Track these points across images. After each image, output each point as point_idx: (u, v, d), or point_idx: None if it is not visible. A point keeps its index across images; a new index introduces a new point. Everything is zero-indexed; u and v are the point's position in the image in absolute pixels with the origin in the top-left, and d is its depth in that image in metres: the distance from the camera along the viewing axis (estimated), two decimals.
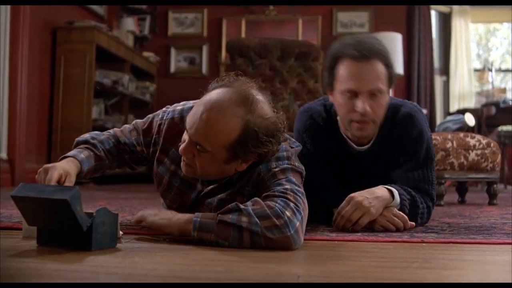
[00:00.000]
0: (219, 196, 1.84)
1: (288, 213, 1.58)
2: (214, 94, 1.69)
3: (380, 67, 2.07)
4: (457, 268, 1.42)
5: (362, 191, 2.04)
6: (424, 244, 1.75)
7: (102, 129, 5.91)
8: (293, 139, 1.95)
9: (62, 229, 1.53)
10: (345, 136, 2.25)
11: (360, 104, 2.06)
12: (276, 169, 1.74)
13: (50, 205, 1.47)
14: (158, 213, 1.75)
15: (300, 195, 1.68)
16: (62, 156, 1.92)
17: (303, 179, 1.84)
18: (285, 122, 1.77)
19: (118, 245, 1.58)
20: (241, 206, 1.58)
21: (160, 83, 7.50)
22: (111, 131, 2.08)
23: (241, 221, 1.55)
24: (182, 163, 1.80)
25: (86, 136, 2.05)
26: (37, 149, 5.49)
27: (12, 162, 4.98)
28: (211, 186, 1.87)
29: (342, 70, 2.10)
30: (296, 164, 1.81)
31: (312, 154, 2.24)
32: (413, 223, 2.06)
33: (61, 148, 5.62)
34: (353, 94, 2.08)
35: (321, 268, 1.34)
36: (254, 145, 1.67)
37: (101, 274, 1.23)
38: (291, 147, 1.86)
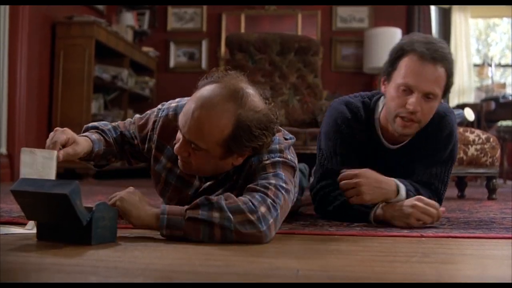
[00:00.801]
0: (217, 192, 1.83)
1: (262, 209, 1.59)
2: (204, 91, 1.68)
3: (442, 73, 2.06)
4: (456, 262, 1.42)
5: (373, 175, 2.02)
6: (423, 238, 1.75)
7: None
8: (287, 132, 1.94)
9: (61, 223, 1.53)
10: (380, 135, 2.26)
11: (413, 102, 2.05)
12: (267, 162, 1.73)
13: (49, 200, 1.47)
14: (129, 198, 1.66)
15: (282, 191, 1.67)
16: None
17: (296, 172, 1.83)
18: (277, 113, 1.76)
19: (118, 240, 1.58)
20: (212, 200, 1.58)
21: (160, 78, 7.49)
22: (114, 123, 2.10)
23: (212, 217, 1.55)
24: (179, 161, 1.80)
25: (94, 123, 2.08)
26: (36, 144, 5.47)
27: (11, 157, 4.98)
28: (209, 183, 1.87)
29: (406, 63, 2.08)
30: (289, 157, 1.79)
31: (346, 145, 2.24)
32: (444, 209, 2.05)
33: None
34: (409, 90, 2.07)
35: (320, 262, 1.34)
36: (247, 139, 1.65)
37: (100, 268, 1.23)
38: (285, 139, 1.85)
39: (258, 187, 1.65)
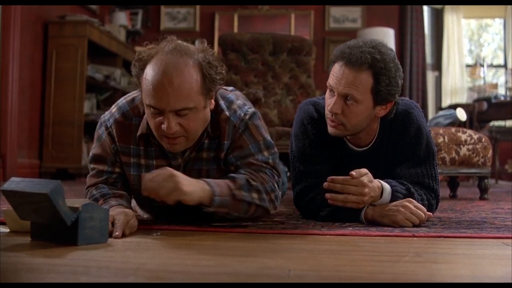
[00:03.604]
0: (205, 157, 1.95)
1: (277, 187, 1.96)
2: (158, 66, 1.75)
3: (365, 78, 2.05)
4: (447, 261, 1.43)
5: (372, 182, 2.02)
6: (415, 238, 1.76)
7: (94, 124, 5.91)
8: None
9: (49, 223, 1.52)
10: (345, 139, 2.26)
11: (331, 102, 2.10)
12: (246, 117, 1.94)
13: (33, 200, 1.47)
14: (180, 174, 1.75)
15: (276, 157, 2.00)
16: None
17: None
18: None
19: (109, 240, 1.57)
20: (252, 182, 1.87)
21: None
22: (95, 187, 2.00)
23: (251, 197, 1.87)
24: (167, 144, 1.82)
25: (98, 193, 1.97)
26: (28, 143, 5.46)
27: (3, 157, 4.97)
28: (186, 154, 1.92)
29: (333, 67, 2.13)
30: (250, 103, 2.05)
31: (314, 145, 2.25)
32: (431, 214, 2.09)
33: (52, 143, 5.61)
34: (332, 91, 2.11)
35: (312, 262, 1.34)
36: (214, 72, 1.80)
37: (92, 268, 1.23)
38: (230, 91, 2.07)
39: (264, 164, 1.94)
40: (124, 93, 6.66)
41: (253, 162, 1.93)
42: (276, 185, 1.97)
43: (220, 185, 1.83)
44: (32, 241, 1.57)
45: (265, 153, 1.97)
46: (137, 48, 7.19)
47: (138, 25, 7.66)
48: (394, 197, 2.07)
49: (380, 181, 2.08)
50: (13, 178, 1.56)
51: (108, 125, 1.97)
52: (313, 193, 2.17)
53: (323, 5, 7.59)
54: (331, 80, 2.11)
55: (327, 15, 7.61)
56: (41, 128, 5.67)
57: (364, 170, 2.03)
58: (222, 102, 1.96)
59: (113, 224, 1.69)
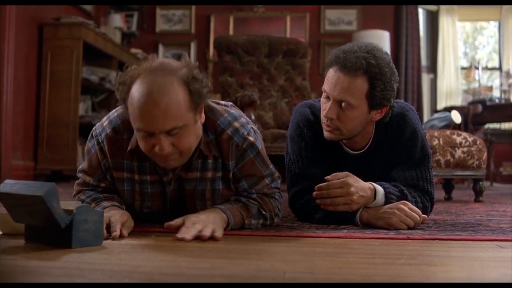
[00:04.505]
0: (209, 177, 1.93)
1: (280, 208, 2.08)
2: (142, 88, 1.69)
3: (361, 83, 2.05)
4: (442, 264, 1.43)
5: (358, 182, 2.05)
6: (410, 240, 1.76)
7: (89, 126, 5.90)
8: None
9: (43, 226, 1.52)
10: (340, 142, 2.26)
11: (326, 107, 2.11)
12: (249, 137, 1.93)
13: (28, 202, 1.46)
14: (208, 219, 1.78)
15: (276, 177, 2.06)
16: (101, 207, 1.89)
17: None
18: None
19: (104, 243, 1.57)
20: (262, 212, 1.98)
21: None
22: (82, 193, 2.01)
23: (258, 223, 1.98)
24: (161, 161, 1.80)
25: (86, 195, 1.99)
26: (23, 145, 5.45)
27: None
28: (177, 170, 1.91)
29: (328, 72, 2.13)
30: (251, 122, 2.05)
31: (310, 148, 2.25)
32: (425, 216, 2.09)
33: (47, 144, 5.60)
34: (327, 96, 2.12)
35: (307, 265, 1.34)
36: (201, 86, 1.76)
37: (86, 271, 1.22)
38: (230, 107, 2.07)
39: (275, 190, 2.05)
40: None
41: (266, 192, 2.02)
42: (280, 207, 2.08)
43: (235, 215, 1.88)
44: (27, 244, 1.57)
45: (274, 178, 2.05)
46: (133, 50, 7.19)
47: (134, 27, 7.66)
48: (387, 199, 2.07)
49: (372, 183, 2.09)
50: (7, 181, 1.56)
51: (100, 140, 1.93)
52: (308, 196, 2.17)
53: (318, 8, 7.60)
54: (326, 86, 2.11)
55: (322, 18, 7.62)
56: (36, 130, 5.66)
57: (342, 174, 2.05)
58: (221, 121, 1.92)
59: (108, 225, 1.69)
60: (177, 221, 1.74)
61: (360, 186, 2.04)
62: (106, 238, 1.63)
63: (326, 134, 2.17)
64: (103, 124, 1.96)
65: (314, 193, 2.06)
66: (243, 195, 1.98)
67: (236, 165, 1.94)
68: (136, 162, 1.92)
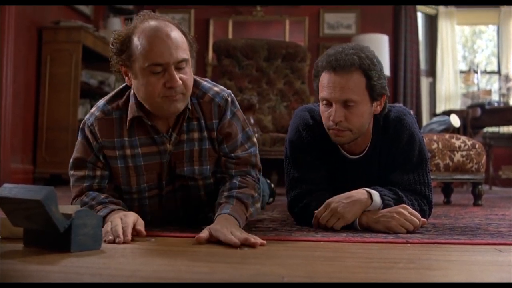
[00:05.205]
0: (196, 138, 2.02)
1: (258, 186, 2.11)
2: (148, 28, 1.87)
3: (357, 78, 2.08)
4: (441, 268, 1.43)
5: (340, 196, 2.08)
6: (409, 244, 1.76)
7: None
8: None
9: (42, 230, 1.52)
10: (338, 146, 2.27)
11: (332, 113, 2.11)
12: (229, 98, 2.06)
13: (26, 206, 1.46)
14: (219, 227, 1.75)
15: (256, 148, 2.14)
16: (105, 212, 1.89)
17: None
18: None
19: (103, 247, 1.57)
20: (254, 195, 2.02)
21: None
22: (85, 195, 2.00)
23: (256, 210, 2.05)
24: (168, 100, 1.86)
25: (88, 198, 1.98)
26: (22, 149, 5.44)
27: None
28: (173, 137, 1.99)
29: (321, 79, 2.15)
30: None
31: (309, 151, 2.25)
32: (425, 220, 2.10)
33: (46, 148, 5.59)
34: (328, 103, 2.12)
35: (306, 269, 1.34)
36: (188, 33, 1.94)
37: (85, 275, 1.22)
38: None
39: (250, 160, 2.09)
40: None
41: (241, 155, 2.07)
42: (258, 184, 2.12)
43: (240, 214, 1.91)
44: (25, 248, 1.56)
45: (250, 143, 2.12)
46: None
47: None
48: (384, 200, 2.08)
49: (365, 188, 2.10)
50: (5, 185, 1.56)
51: (89, 124, 2.01)
52: (308, 200, 2.18)
53: (317, 11, 7.60)
54: (325, 93, 2.12)
55: (321, 21, 7.63)
56: (35, 133, 5.65)
57: (324, 208, 2.08)
58: (202, 86, 2.06)
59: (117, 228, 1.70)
60: (204, 233, 1.70)
61: (343, 196, 2.07)
62: (116, 242, 1.64)
63: (336, 139, 2.17)
64: (91, 111, 2.06)
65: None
66: (226, 162, 2.07)
67: (218, 124, 2.04)
68: (127, 138, 1.98)
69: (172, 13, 7.64)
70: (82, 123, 2.06)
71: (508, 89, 7.14)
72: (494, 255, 1.61)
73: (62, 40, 5.71)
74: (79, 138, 2.04)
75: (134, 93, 1.96)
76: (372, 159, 2.26)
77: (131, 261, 1.40)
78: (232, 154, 2.07)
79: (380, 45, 6.52)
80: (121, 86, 2.09)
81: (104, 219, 1.82)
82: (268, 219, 2.51)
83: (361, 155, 2.26)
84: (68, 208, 1.63)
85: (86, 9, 6.77)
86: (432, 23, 8.16)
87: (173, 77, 1.82)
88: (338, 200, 2.06)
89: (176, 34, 1.86)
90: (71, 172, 2.06)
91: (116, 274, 1.24)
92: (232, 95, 2.12)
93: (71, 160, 2.06)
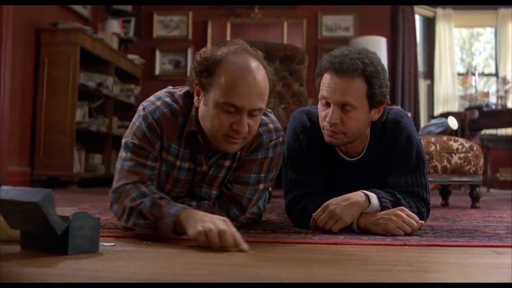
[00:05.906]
0: (226, 166, 1.97)
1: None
2: (239, 64, 1.79)
3: (359, 83, 2.08)
4: (439, 270, 1.43)
5: (338, 198, 2.08)
6: (406, 247, 1.76)
7: (86, 132, 5.90)
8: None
9: (39, 232, 1.51)
10: (336, 149, 2.26)
11: (328, 114, 2.11)
12: (277, 140, 1.99)
13: (24, 208, 1.46)
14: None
15: (260, 189, 2.01)
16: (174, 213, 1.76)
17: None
18: None
19: (100, 249, 1.56)
20: (244, 206, 1.98)
21: (145, 86, 7.46)
22: (145, 185, 1.87)
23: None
24: (229, 141, 1.81)
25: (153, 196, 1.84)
26: (20, 151, 5.44)
27: None
28: (212, 160, 1.95)
29: (323, 79, 2.15)
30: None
31: (307, 154, 2.25)
32: (423, 222, 2.10)
33: (44, 150, 5.59)
34: (327, 103, 2.12)
35: (303, 271, 1.34)
36: (272, 75, 1.89)
37: (83, 278, 1.22)
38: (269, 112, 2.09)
39: (232, 205, 1.97)
40: (116, 101, 6.66)
41: (234, 191, 1.98)
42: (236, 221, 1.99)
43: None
44: (22, 250, 1.56)
45: (254, 188, 1.99)
46: (130, 56, 7.18)
47: (131, 33, 7.66)
48: (381, 202, 2.08)
49: (363, 191, 2.10)
50: (3, 187, 1.55)
51: (155, 117, 1.88)
52: (305, 202, 2.18)
53: (315, 14, 7.61)
54: (325, 92, 2.12)
55: (319, 24, 7.64)
56: (33, 136, 5.65)
57: (321, 211, 2.08)
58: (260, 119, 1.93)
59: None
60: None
61: (341, 199, 2.07)
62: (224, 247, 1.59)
63: (329, 139, 2.17)
64: (155, 102, 1.92)
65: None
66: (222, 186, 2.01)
67: (247, 156, 1.97)
68: (183, 148, 1.92)
69: (170, 15, 7.66)
70: (142, 108, 1.93)
71: (505, 91, 7.15)
72: (492, 257, 1.61)
73: (60, 42, 5.71)
74: (142, 126, 1.88)
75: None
76: (370, 161, 2.26)
77: (128, 263, 1.40)
78: (229, 185, 1.99)
79: (378, 48, 6.52)
80: (186, 88, 1.97)
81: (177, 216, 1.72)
82: (265, 221, 2.51)
83: (358, 157, 2.26)
84: (65, 210, 1.62)
85: (84, 11, 6.77)
86: (430, 25, 8.18)
87: (243, 123, 1.77)
88: (336, 203, 2.06)
89: (261, 79, 1.79)
90: (129, 155, 1.87)
91: (114, 277, 1.23)
92: (284, 137, 2.05)
93: (129, 141, 1.90)
